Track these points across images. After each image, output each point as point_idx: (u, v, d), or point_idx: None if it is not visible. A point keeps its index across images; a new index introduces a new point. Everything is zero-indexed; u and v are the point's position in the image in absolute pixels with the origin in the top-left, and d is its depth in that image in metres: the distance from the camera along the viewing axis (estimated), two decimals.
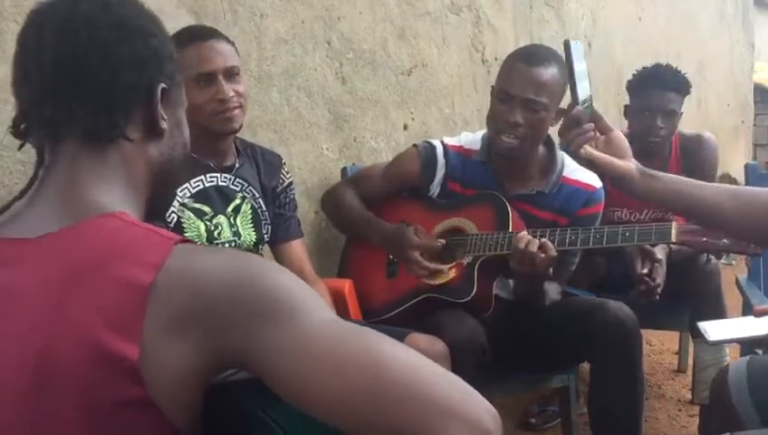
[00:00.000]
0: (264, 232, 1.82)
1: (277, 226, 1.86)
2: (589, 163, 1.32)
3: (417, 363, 0.71)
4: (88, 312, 0.69)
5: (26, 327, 0.71)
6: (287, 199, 1.90)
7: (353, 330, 0.73)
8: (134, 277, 0.70)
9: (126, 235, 0.75)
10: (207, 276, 0.72)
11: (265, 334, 0.71)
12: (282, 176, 1.89)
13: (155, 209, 0.92)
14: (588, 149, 1.30)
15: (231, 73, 1.68)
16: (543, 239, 1.75)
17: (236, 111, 1.69)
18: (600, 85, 3.98)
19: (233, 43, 1.76)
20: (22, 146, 0.87)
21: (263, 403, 0.79)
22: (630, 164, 1.34)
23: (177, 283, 0.71)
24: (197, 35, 1.69)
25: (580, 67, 1.28)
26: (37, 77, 0.82)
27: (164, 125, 0.86)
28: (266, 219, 1.82)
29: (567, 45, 1.28)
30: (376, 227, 2.02)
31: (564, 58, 1.29)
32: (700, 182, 1.32)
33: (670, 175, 1.38)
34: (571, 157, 1.38)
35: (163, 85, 0.86)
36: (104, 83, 0.82)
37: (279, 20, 2.26)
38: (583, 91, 1.30)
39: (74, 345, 0.69)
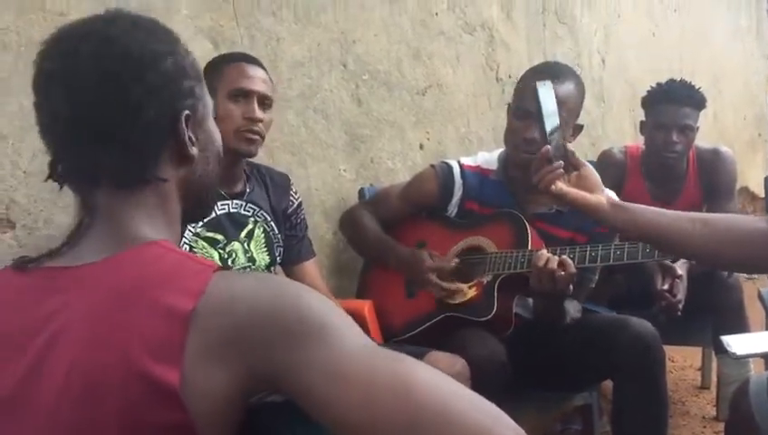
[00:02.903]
0: (277, 254, 1.82)
1: (289, 247, 1.87)
2: (560, 199, 1.34)
3: (448, 388, 0.71)
4: (131, 338, 0.71)
5: (73, 352, 0.73)
6: (298, 220, 1.91)
7: (386, 353, 0.74)
8: (175, 305, 0.71)
9: (167, 262, 0.76)
10: (245, 301, 0.73)
11: (300, 356, 0.71)
12: (291, 197, 1.90)
13: (199, 217, 0.93)
14: (559, 185, 1.36)
15: (264, 101, 1.73)
16: (563, 257, 1.75)
17: (258, 137, 1.72)
18: (613, 101, 3.99)
19: (272, 81, 1.80)
20: (49, 177, 0.86)
21: (294, 425, 0.80)
22: (602, 198, 1.37)
23: (216, 309, 0.72)
24: (245, 58, 1.77)
25: (548, 107, 1.36)
26: (57, 128, 0.81)
27: (194, 150, 0.86)
28: (278, 242, 1.83)
29: (534, 88, 1.38)
30: (392, 250, 2.03)
31: (534, 100, 1.36)
32: (673, 212, 1.33)
33: (642, 206, 1.39)
34: (548, 195, 1.41)
35: (186, 112, 0.84)
36: (123, 128, 0.80)
37: (295, 43, 2.29)
38: (552, 129, 1.37)
39: (118, 370, 0.70)
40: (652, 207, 1.37)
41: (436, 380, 0.72)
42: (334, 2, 2.41)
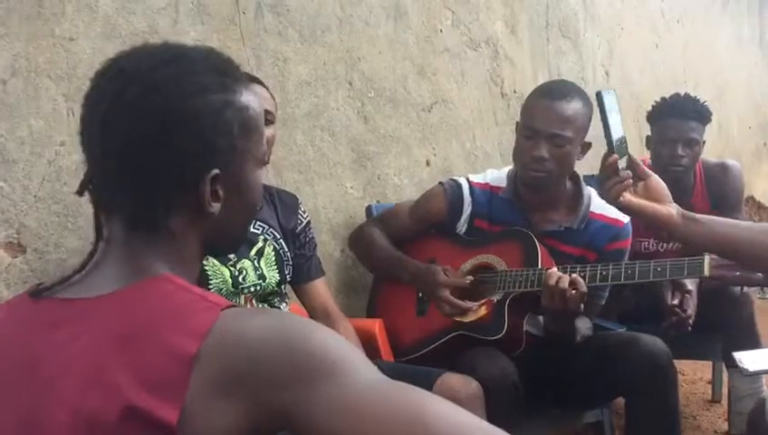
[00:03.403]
0: (287, 272, 1.82)
1: (299, 266, 1.86)
2: (628, 211, 1.30)
3: (463, 421, 0.70)
4: (131, 376, 0.70)
5: (76, 386, 0.73)
6: (306, 239, 1.90)
7: (399, 389, 0.73)
8: (179, 347, 0.71)
9: (174, 300, 0.76)
10: (252, 338, 0.72)
11: (311, 394, 0.70)
12: (300, 216, 1.90)
13: (224, 254, 0.91)
14: (627, 196, 1.29)
15: (266, 117, 1.72)
16: (574, 275, 1.74)
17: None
18: None
19: (273, 97, 1.82)
20: (82, 191, 0.85)
21: None
22: (672, 208, 1.31)
23: (221, 347, 0.71)
24: (245, 77, 1.75)
25: (613, 116, 1.28)
26: (91, 152, 0.83)
27: (214, 207, 0.83)
28: (288, 260, 1.83)
29: (599, 96, 1.29)
30: (406, 266, 2.02)
31: (598, 108, 1.30)
32: (744, 223, 1.28)
33: (712, 217, 1.34)
34: (616, 207, 1.35)
35: (214, 172, 0.81)
36: (143, 177, 0.79)
37: (301, 63, 2.29)
38: (618, 139, 1.29)
39: (115, 409, 0.69)
40: (723, 219, 1.32)
41: (451, 413, 0.71)
42: (339, 21, 2.42)
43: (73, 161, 1.65)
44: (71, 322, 0.77)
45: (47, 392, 0.74)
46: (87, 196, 0.86)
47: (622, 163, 1.30)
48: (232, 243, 0.93)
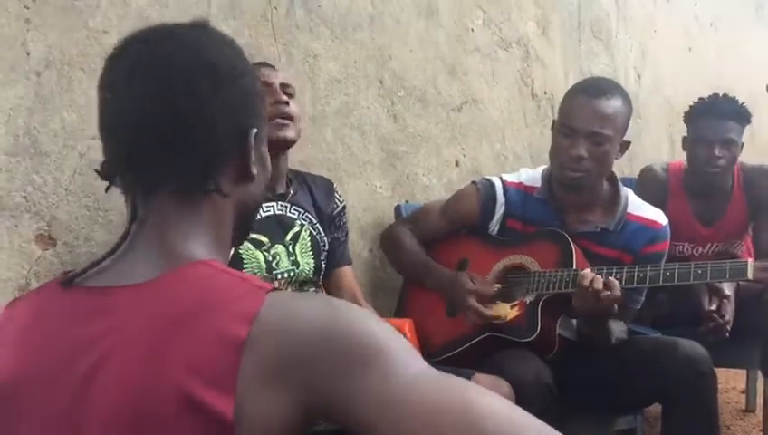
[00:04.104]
0: (322, 259, 1.80)
1: (332, 250, 1.84)
2: None
3: (510, 414, 0.68)
4: (182, 365, 0.68)
5: (122, 380, 0.70)
6: (341, 222, 1.89)
7: (446, 379, 0.70)
8: (228, 331, 0.69)
9: (218, 284, 0.74)
10: (300, 326, 0.70)
11: (357, 383, 0.68)
12: (336, 199, 1.89)
13: (243, 238, 0.91)
14: None
15: (286, 90, 1.75)
16: (609, 278, 1.70)
17: (289, 121, 1.72)
18: (650, 117, 3.93)
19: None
20: (101, 176, 0.84)
21: None
22: None
23: (270, 335, 0.69)
24: (263, 64, 1.81)
25: None
26: (127, 128, 0.79)
27: (255, 170, 0.84)
28: (324, 246, 1.80)
29: None
30: (432, 273, 1.99)
31: None
32: None
33: None
34: None
35: (255, 130, 0.83)
36: (200, 139, 0.79)
37: (332, 60, 2.28)
38: None
39: (169, 397, 0.67)
40: None
41: (501, 407, 0.68)
42: (370, 18, 2.40)
43: None
44: (107, 313, 0.74)
45: (84, 390, 0.71)
46: (112, 184, 0.84)
47: None
48: (252, 220, 0.92)
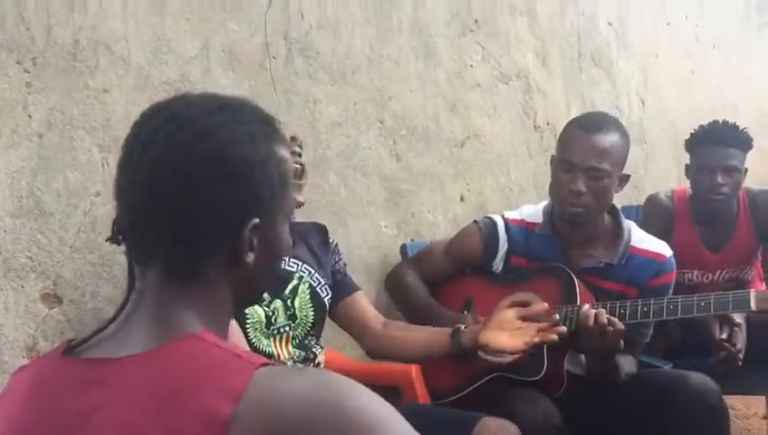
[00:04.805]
0: (327, 302, 1.79)
1: (337, 282, 1.84)
2: None
3: None
4: None
5: None
6: (338, 257, 1.88)
7: None
8: (214, 410, 0.69)
9: (208, 360, 0.74)
10: (289, 403, 0.69)
11: None
12: (329, 241, 1.88)
13: (248, 306, 0.91)
14: None
15: (295, 141, 1.74)
16: (608, 316, 1.69)
17: (301, 183, 1.72)
18: (655, 142, 3.92)
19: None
20: (111, 236, 0.84)
21: None
22: None
23: (255, 413, 0.69)
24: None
25: None
26: (130, 199, 0.80)
27: (250, 257, 0.82)
28: (326, 293, 1.80)
29: None
30: (436, 315, 1.99)
31: None
32: None
33: None
34: None
35: (255, 221, 0.81)
36: (190, 225, 0.79)
37: (332, 104, 2.30)
38: None
39: None
40: None
41: None
42: (369, 61, 2.43)
43: (108, 211, 1.67)
44: (103, 383, 0.75)
45: None
46: (119, 245, 0.84)
47: None
48: (257, 295, 0.92)
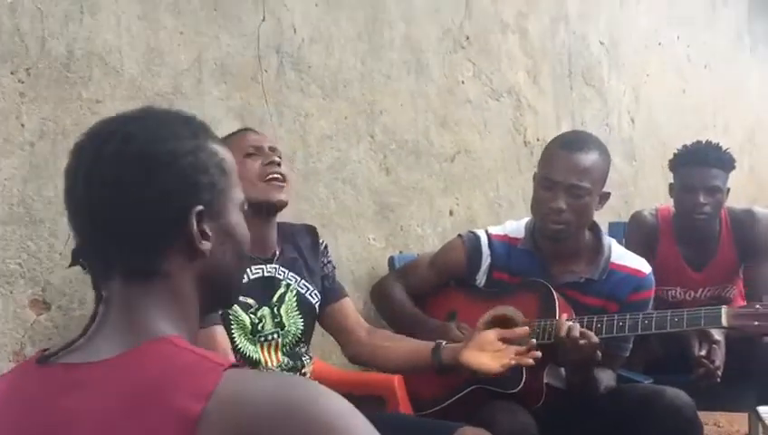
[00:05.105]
0: (316, 308, 1.80)
1: (325, 288, 1.85)
2: None
3: None
4: None
5: None
6: (327, 261, 1.89)
7: None
8: (184, 409, 0.71)
9: (178, 362, 0.77)
10: (256, 401, 0.72)
11: None
12: (318, 244, 1.88)
13: (221, 306, 0.93)
14: None
15: (275, 152, 1.77)
16: (582, 329, 1.73)
17: (283, 183, 1.73)
18: (645, 159, 3.97)
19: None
20: (72, 263, 0.89)
21: None
22: None
23: (225, 409, 0.71)
24: (245, 129, 1.86)
25: None
26: (78, 221, 0.85)
27: (205, 246, 0.86)
28: (316, 299, 1.81)
29: None
30: (421, 324, 2.02)
31: None
32: None
33: None
34: None
35: (199, 208, 0.85)
36: (133, 224, 0.83)
37: (323, 118, 2.34)
38: None
39: None
40: None
41: None
42: (360, 75, 2.48)
43: None
44: (76, 388, 0.78)
45: None
46: (84, 269, 0.88)
47: None
48: (228, 291, 0.95)
